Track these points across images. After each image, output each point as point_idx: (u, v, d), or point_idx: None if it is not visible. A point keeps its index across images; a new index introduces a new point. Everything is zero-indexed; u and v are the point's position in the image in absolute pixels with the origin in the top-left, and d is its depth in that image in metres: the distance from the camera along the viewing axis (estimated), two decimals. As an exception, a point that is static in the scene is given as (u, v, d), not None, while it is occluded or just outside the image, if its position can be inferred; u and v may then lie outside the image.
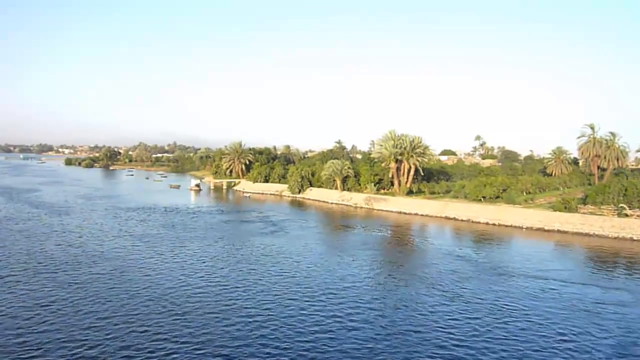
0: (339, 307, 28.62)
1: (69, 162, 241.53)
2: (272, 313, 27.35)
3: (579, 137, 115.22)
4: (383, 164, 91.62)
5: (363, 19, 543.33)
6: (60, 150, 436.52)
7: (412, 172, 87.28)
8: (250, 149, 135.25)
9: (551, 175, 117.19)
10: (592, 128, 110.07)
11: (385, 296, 31.41)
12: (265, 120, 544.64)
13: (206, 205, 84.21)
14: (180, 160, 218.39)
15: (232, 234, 53.91)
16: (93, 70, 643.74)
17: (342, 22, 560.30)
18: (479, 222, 69.13)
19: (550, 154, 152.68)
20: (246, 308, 28.23)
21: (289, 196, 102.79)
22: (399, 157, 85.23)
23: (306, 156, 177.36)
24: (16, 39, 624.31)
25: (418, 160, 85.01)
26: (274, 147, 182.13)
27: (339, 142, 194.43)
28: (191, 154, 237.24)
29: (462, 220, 71.13)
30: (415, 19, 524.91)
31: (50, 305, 27.86)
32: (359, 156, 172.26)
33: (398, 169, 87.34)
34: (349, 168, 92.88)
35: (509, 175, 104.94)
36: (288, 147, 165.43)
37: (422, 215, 76.19)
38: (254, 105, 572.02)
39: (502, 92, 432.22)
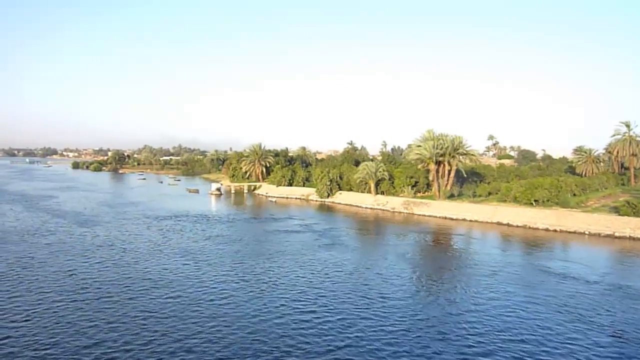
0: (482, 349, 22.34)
1: (76, 165, 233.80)
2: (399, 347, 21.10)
3: (613, 136, 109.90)
4: (420, 166, 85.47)
5: (362, 20, 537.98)
6: (64, 153, 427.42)
7: (452, 174, 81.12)
8: (268, 151, 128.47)
9: (581, 175, 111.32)
10: (628, 126, 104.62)
11: (546, 333, 24.98)
12: (265, 123, 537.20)
13: (237, 212, 77.74)
14: (189, 163, 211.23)
15: (289, 248, 47.11)
16: (93, 74, 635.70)
17: (345, 22, 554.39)
18: (537, 229, 63.05)
19: (576, 153, 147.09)
20: (371, 348, 21.93)
21: (316, 200, 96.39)
22: (440, 159, 78.95)
23: (315, 158, 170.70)
24: (17, 43, 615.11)
25: (461, 162, 78.80)
26: (286, 149, 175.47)
27: (350, 143, 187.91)
28: (200, 157, 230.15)
29: (517, 226, 65.00)
30: (415, 21, 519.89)
31: (126, 351, 21.38)
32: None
33: (437, 171, 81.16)
34: (384, 170, 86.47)
35: (538, 176, 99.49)
36: (304, 148, 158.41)
37: (470, 220, 69.98)
38: (252, 107, 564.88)
39: (505, 93, 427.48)
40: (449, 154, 79.00)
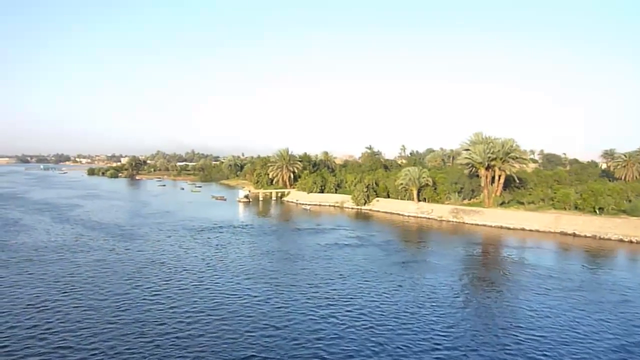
0: None
1: (91, 172, 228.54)
2: None
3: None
4: (466, 171, 79.65)
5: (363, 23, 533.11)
6: (77, 160, 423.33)
7: (502, 180, 75.14)
8: (292, 156, 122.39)
9: (621, 179, 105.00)
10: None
11: None
12: (272, 127, 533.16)
13: (276, 223, 72.11)
14: (206, 169, 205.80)
15: (365, 267, 40.88)
16: (99, 80, 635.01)
17: (345, 25, 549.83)
18: (609, 239, 57.27)
19: (607, 156, 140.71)
20: None
21: (352, 208, 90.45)
22: (492, 163, 72.95)
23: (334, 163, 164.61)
24: (26, 49, 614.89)
25: (514, 167, 72.81)
26: (305, 154, 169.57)
27: (369, 148, 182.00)
28: (216, 162, 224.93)
29: (585, 237, 59.07)
30: (414, 23, 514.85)
31: None
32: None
33: (486, 177, 75.23)
34: (427, 176, 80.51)
35: (575, 181, 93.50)
36: (326, 153, 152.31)
37: (529, 230, 64.03)
38: (258, 112, 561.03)
39: (507, 95, 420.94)
40: (500, 159, 73.00)
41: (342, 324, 26.22)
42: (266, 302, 30.11)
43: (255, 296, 31.47)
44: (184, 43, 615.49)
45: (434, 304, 30.27)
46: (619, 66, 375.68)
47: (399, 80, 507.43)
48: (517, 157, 73.66)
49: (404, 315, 27.85)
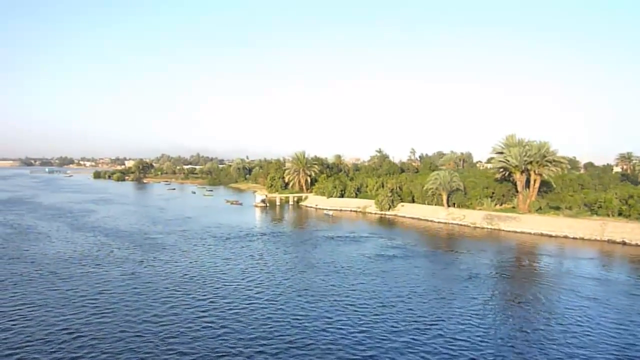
0: None
1: (97, 175, 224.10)
2: None
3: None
4: (499, 175, 75.66)
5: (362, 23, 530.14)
6: (81, 162, 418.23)
7: (537, 185, 71.12)
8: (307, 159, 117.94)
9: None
10: None
11: None
12: (270, 129, 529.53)
13: (306, 230, 67.84)
14: (214, 172, 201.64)
15: (435, 284, 36.86)
16: (99, 81, 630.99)
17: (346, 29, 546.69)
18: (664, 248, 53.07)
19: (624, 159, 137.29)
20: None
21: (375, 213, 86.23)
22: (529, 167, 68.96)
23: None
24: (28, 51, 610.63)
25: (552, 171, 68.81)
26: (316, 157, 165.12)
27: (379, 151, 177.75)
28: (224, 166, 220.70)
29: (636, 245, 55.14)
30: (413, 24, 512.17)
31: None
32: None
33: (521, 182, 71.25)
34: (459, 180, 76.42)
35: (599, 185, 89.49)
36: (339, 156, 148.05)
37: (573, 238, 59.94)
38: (259, 114, 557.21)
39: (507, 98, 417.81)
40: (537, 162, 68.99)
41: (441, 357, 22.02)
42: (340, 327, 25.89)
43: (325, 319, 27.23)
44: (185, 43, 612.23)
45: (535, 327, 26.12)
46: (619, 66, 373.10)
47: (401, 81, 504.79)
48: (554, 161, 69.54)
49: (512, 345, 23.65)
